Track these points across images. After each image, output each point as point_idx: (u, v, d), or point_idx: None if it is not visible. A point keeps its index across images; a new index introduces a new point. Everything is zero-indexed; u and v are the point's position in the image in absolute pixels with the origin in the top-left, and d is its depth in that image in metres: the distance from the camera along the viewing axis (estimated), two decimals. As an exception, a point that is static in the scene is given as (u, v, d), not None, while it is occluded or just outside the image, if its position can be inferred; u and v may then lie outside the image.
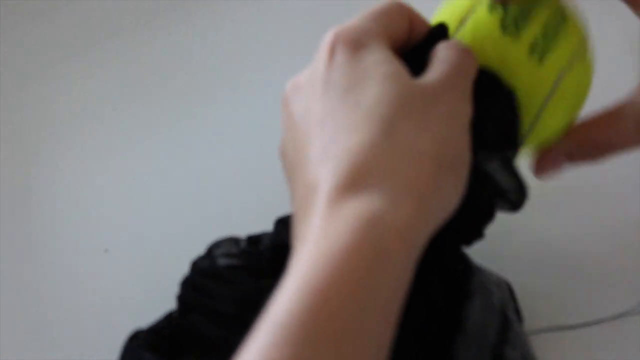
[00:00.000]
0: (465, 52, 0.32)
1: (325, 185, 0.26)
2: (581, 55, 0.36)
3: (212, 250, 0.34)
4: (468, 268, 0.30)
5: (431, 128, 0.28)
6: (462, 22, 0.35)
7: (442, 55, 0.32)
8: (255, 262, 0.33)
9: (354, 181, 0.26)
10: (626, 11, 0.35)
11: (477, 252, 0.33)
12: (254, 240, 0.35)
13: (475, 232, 0.32)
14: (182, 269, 0.39)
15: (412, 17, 0.34)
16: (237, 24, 0.63)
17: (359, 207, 0.25)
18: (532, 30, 0.34)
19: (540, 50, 0.34)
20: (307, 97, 0.30)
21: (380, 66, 0.30)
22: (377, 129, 0.27)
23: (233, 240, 0.35)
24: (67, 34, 0.61)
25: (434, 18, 0.37)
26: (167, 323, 0.32)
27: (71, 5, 0.64)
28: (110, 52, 0.59)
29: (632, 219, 0.40)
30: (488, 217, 0.32)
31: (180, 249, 0.41)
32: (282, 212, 0.39)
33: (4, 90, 0.55)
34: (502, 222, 0.37)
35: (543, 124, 0.35)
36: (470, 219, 0.31)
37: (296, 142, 0.30)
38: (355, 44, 0.31)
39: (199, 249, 0.40)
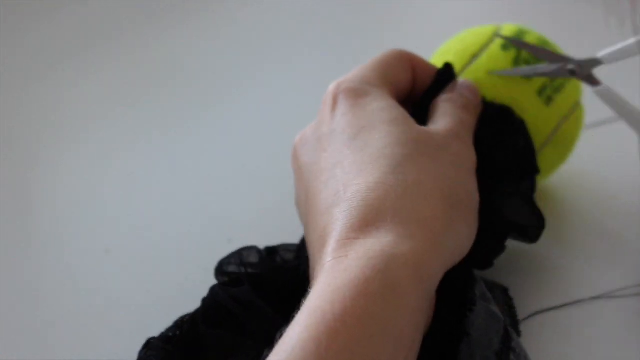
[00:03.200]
0: (465, 107, 0.33)
1: (337, 225, 0.27)
2: (578, 109, 0.38)
3: (242, 257, 0.34)
4: (471, 277, 0.30)
5: (440, 170, 0.29)
6: (474, 56, 0.37)
7: (443, 109, 0.33)
8: (274, 274, 0.33)
9: (365, 220, 0.26)
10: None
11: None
12: (271, 251, 0.36)
13: (485, 263, 0.33)
14: (184, 270, 0.39)
15: (414, 63, 0.35)
16: (239, 25, 0.63)
17: (369, 244, 0.25)
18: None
19: (548, 93, 0.36)
20: (314, 149, 0.31)
21: (384, 112, 0.31)
22: (386, 168, 0.28)
23: (256, 250, 0.35)
24: (67, 34, 0.61)
25: (441, 50, 0.38)
26: (179, 329, 0.32)
27: (71, 5, 0.64)
28: (111, 53, 0.59)
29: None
30: (500, 250, 0.33)
31: (181, 249, 0.41)
32: (283, 213, 0.39)
33: (4, 90, 0.55)
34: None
35: (540, 165, 0.37)
36: (482, 253, 0.32)
37: (307, 192, 0.30)
38: (356, 92, 0.32)
39: (201, 250, 0.40)
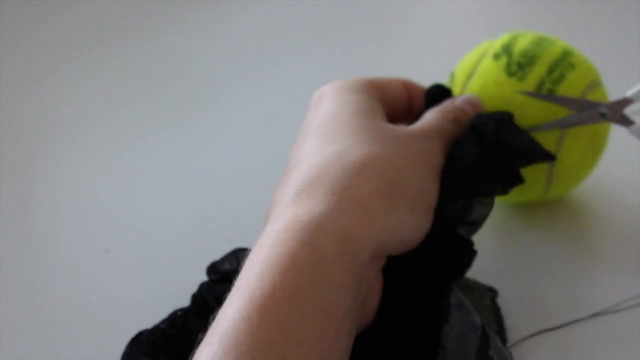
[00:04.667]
0: (454, 120, 0.34)
1: (277, 203, 0.28)
2: (595, 90, 0.37)
3: (238, 257, 0.34)
4: (446, 286, 0.30)
5: (388, 158, 0.29)
6: (470, 76, 0.37)
7: (427, 115, 0.34)
8: None
9: (301, 193, 0.27)
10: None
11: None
12: None
13: (457, 272, 0.31)
14: (184, 270, 0.39)
15: (408, 85, 0.36)
16: (239, 25, 0.63)
17: (299, 212, 0.26)
18: (538, 70, 0.36)
19: (547, 88, 0.35)
20: (297, 141, 0.33)
21: (350, 104, 0.32)
22: (333, 150, 0.29)
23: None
24: (67, 35, 0.61)
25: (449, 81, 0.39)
26: (172, 323, 0.32)
27: (72, 5, 0.64)
28: (111, 53, 0.59)
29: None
30: (469, 257, 0.32)
31: (181, 249, 0.41)
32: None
33: (5, 90, 0.55)
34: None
35: (563, 162, 0.36)
36: (453, 258, 0.31)
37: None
38: (337, 88, 0.33)
39: (201, 250, 0.40)
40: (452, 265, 0.31)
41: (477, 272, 0.36)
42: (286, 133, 0.36)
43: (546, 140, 0.35)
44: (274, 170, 0.44)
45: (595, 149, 0.38)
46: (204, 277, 0.35)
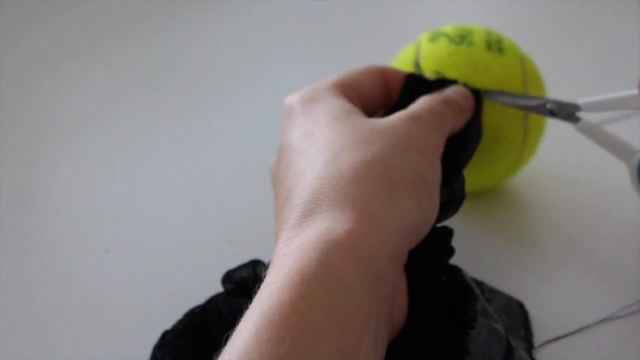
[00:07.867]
0: (445, 102, 0.34)
1: (283, 229, 0.28)
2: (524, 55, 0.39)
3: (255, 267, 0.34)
4: (470, 295, 0.29)
5: (377, 152, 0.29)
6: (415, 64, 0.38)
7: (417, 101, 0.34)
8: None
9: (303, 215, 0.27)
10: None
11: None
12: None
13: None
14: (184, 270, 0.39)
15: (385, 73, 0.36)
16: (239, 26, 0.63)
17: (305, 235, 0.26)
18: (478, 37, 0.38)
19: (496, 47, 0.37)
20: (276, 161, 0.33)
21: (326, 113, 0.32)
22: (322, 163, 0.29)
23: (263, 264, 0.35)
24: (67, 35, 0.62)
25: None
26: (190, 323, 0.32)
27: (72, 6, 0.64)
28: (111, 53, 0.59)
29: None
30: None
31: (181, 249, 0.41)
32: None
33: (4, 90, 0.55)
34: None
35: (531, 133, 0.38)
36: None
37: (274, 203, 0.32)
38: (305, 99, 0.34)
39: (200, 250, 0.40)
40: (435, 251, 0.30)
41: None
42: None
43: (516, 112, 0.37)
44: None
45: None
46: (203, 277, 0.35)
